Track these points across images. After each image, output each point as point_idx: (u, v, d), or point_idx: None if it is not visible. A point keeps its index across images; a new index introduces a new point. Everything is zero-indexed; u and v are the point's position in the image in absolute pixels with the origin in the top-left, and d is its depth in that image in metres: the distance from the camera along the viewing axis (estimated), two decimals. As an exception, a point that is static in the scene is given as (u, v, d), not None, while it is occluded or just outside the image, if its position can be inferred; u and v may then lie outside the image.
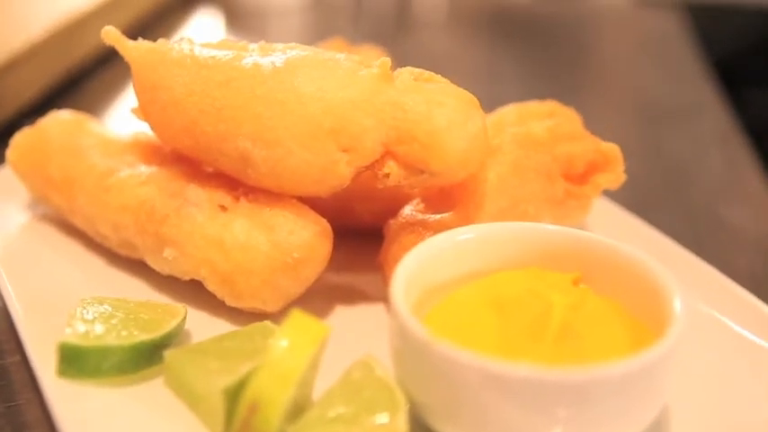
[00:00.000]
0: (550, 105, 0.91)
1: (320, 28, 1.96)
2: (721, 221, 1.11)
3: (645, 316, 0.69)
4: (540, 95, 0.96)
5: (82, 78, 1.42)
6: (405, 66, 0.79)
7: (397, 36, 1.87)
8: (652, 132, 1.41)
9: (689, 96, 1.56)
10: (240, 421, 0.63)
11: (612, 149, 0.87)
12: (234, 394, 0.65)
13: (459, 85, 0.78)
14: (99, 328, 0.71)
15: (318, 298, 0.81)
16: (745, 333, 0.79)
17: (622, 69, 1.80)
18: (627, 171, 0.88)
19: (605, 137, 0.90)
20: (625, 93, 1.65)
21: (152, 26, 1.60)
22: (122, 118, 0.90)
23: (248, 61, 0.78)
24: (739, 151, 1.31)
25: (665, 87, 1.63)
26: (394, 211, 0.85)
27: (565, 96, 0.94)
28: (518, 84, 1.57)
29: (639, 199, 1.08)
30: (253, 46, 0.82)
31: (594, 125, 0.92)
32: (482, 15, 2.11)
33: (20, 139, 0.92)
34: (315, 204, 0.81)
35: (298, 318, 0.66)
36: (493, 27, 2.02)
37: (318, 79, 0.76)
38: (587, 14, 2.11)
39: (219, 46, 0.82)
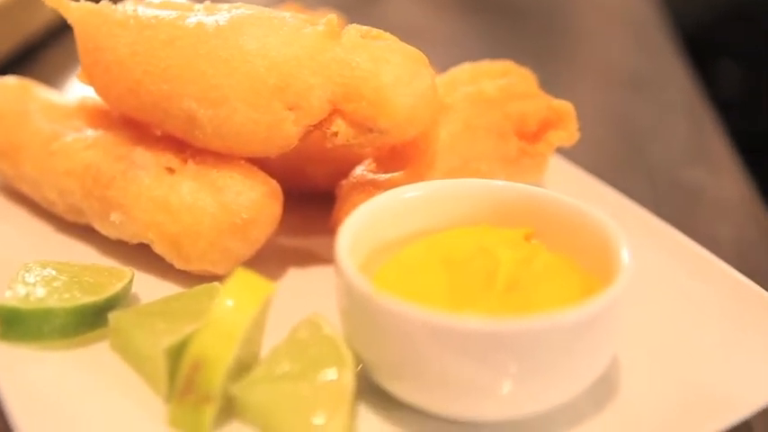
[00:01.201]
0: (504, 65, 0.90)
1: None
2: (681, 184, 1.11)
3: (596, 269, 0.69)
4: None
5: (38, 49, 1.40)
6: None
7: (362, 6, 1.85)
8: (618, 99, 1.40)
9: (656, 65, 1.56)
10: (183, 380, 0.62)
11: (565, 106, 0.86)
12: (177, 354, 0.64)
13: (425, 54, 0.77)
14: (40, 291, 0.70)
15: (269, 260, 0.80)
16: (697, 285, 0.79)
17: (591, 40, 1.79)
18: (591, 136, 0.88)
19: (572, 103, 0.89)
20: (592, 62, 1.65)
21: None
22: (80, 89, 0.88)
23: (192, 20, 0.77)
24: (703, 119, 1.31)
25: (632, 57, 1.63)
26: (346, 172, 0.84)
27: (532, 66, 0.93)
28: (486, 55, 1.56)
29: (600, 162, 1.07)
30: (198, 6, 0.81)
31: (557, 90, 0.91)
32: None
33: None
34: (266, 166, 0.80)
35: (242, 276, 0.65)
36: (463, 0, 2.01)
37: (263, 37, 0.75)
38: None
39: (163, 6, 0.81)
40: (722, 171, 1.16)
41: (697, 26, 1.95)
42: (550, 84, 0.92)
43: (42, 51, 1.40)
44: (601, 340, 0.63)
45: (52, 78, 1.22)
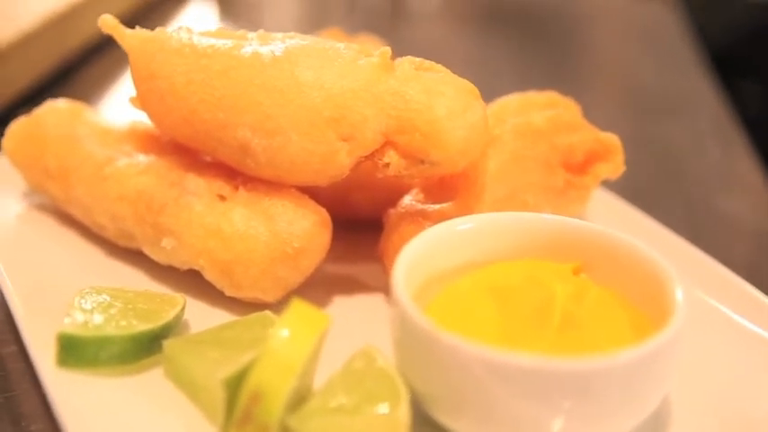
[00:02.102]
0: (550, 95, 0.91)
1: (314, 18, 1.95)
2: (718, 212, 1.11)
3: (645, 305, 0.69)
4: (535, 86, 0.96)
5: (76, 68, 1.41)
6: (401, 56, 0.79)
7: (391, 26, 1.86)
8: (647, 123, 1.41)
9: (684, 87, 1.56)
10: (241, 411, 0.63)
11: (612, 139, 0.86)
12: (234, 384, 0.65)
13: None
14: (97, 318, 0.70)
15: (318, 288, 0.81)
16: (744, 322, 0.79)
17: (617, 61, 1.80)
18: (624, 161, 0.88)
19: (601, 127, 0.89)
20: (620, 84, 1.65)
21: (146, 16, 1.59)
22: (118, 107, 0.89)
23: (247, 50, 0.78)
24: (735, 142, 1.31)
25: (660, 79, 1.63)
26: (393, 201, 0.85)
27: (559, 87, 0.94)
28: (513, 75, 1.57)
29: (636, 190, 1.08)
30: (252, 35, 0.81)
31: (589, 116, 0.91)
32: (476, 7, 2.10)
33: (16, 129, 0.92)
34: (314, 194, 0.80)
35: (299, 307, 0.66)
36: (487, 18, 2.02)
37: (318, 68, 0.75)
38: (582, 6, 2.11)
39: (218, 35, 0.82)
40: (757, 199, 1.16)
41: (719, 46, 1.95)
42: (580, 107, 0.93)
43: (78, 70, 1.41)
44: (655, 380, 0.64)
45: (89, 96, 1.24)
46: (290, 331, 0.64)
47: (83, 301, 0.72)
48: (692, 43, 1.76)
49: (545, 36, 1.87)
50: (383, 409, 0.64)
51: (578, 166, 0.86)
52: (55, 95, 0.97)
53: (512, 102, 0.89)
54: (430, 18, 1.99)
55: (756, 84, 2.03)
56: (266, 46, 0.78)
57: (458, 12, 2.05)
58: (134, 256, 0.84)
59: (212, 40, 0.80)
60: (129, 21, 0.87)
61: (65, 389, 0.68)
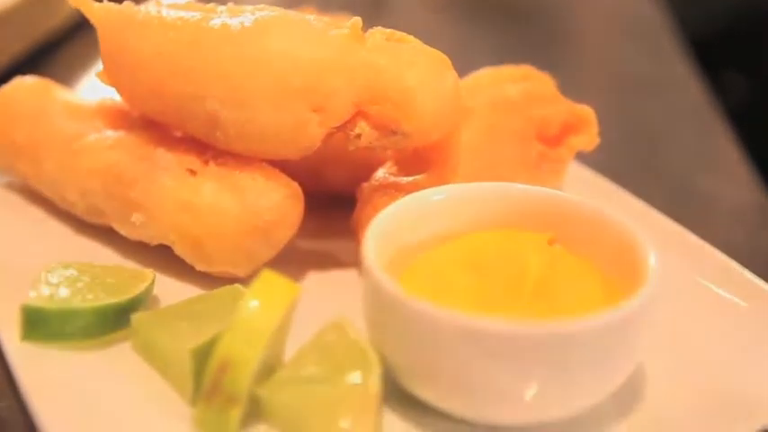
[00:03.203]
0: (525, 69, 0.90)
1: (290, 4, 1.93)
2: (694, 189, 1.11)
3: (620, 274, 0.69)
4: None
5: (51, 48, 1.39)
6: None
7: (369, 10, 1.85)
8: (627, 104, 1.41)
9: (665, 71, 1.56)
10: (210, 382, 0.62)
11: (586, 111, 0.86)
12: (203, 356, 0.64)
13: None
14: (64, 292, 0.69)
15: (290, 262, 0.80)
16: (718, 291, 0.79)
17: (597, 45, 1.80)
18: (602, 139, 0.88)
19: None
20: (600, 66, 1.65)
21: None
22: (93, 89, 0.88)
23: (216, 22, 0.77)
24: (714, 124, 1.31)
25: (639, 64, 1.63)
26: (367, 174, 0.84)
27: (539, 70, 0.94)
28: (492, 59, 1.56)
29: (614, 166, 1.07)
30: (221, 8, 0.80)
31: (570, 98, 0.91)
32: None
33: (-18, 106, 0.90)
34: (286, 168, 0.79)
35: (268, 277, 0.65)
36: (469, 5, 2.01)
37: (288, 39, 0.74)
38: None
39: (187, 7, 0.80)
40: (734, 177, 1.16)
41: (702, 35, 1.95)
42: (559, 89, 0.92)
43: (53, 52, 1.40)
44: (627, 346, 0.63)
45: (64, 78, 1.22)
46: (259, 301, 0.63)
47: (49, 275, 0.71)
48: (673, 30, 1.76)
49: (527, 24, 1.86)
50: (354, 379, 0.64)
51: (553, 139, 0.86)
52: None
53: (486, 75, 0.88)
54: (411, 5, 1.99)
55: (738, 75, 2.04)
56: (235, 18, 0.77)
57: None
58: (104, 232, 0.83)
59: (181, 13, 0.79)
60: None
61: (30, 363, 0.67)
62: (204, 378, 0.62)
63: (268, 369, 0.65)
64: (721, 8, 2.16)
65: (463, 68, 0.82)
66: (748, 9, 2.08)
